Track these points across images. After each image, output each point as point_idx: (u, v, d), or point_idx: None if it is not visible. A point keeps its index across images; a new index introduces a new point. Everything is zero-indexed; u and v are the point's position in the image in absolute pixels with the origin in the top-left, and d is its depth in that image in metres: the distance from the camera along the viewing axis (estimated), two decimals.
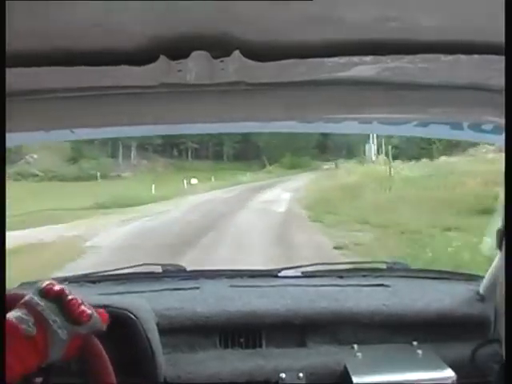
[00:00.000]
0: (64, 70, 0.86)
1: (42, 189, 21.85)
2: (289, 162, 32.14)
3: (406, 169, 17.88)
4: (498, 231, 0.58)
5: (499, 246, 0.56)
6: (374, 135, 19.51)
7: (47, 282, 1.10)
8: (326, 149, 32.62)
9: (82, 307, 1.09)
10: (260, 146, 33.82)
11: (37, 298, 1.07)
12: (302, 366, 1.44)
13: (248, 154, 34.94)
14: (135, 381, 1.31)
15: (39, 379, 1.12)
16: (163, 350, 1.39)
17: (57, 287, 1.09)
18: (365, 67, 0.92)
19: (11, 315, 1.04)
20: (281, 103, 1.09)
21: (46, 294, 1.08)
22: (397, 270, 1.89)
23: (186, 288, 1.68)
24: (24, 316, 1.04)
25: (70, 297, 1.08)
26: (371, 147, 22.48)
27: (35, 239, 9.98)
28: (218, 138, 32.43)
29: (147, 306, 1.46)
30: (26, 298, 1.08)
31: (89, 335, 1.11)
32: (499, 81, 0.87)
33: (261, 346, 1.52)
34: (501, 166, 0.87)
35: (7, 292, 1.05)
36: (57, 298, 1.08)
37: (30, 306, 1.06)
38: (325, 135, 27.79)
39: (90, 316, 1.09)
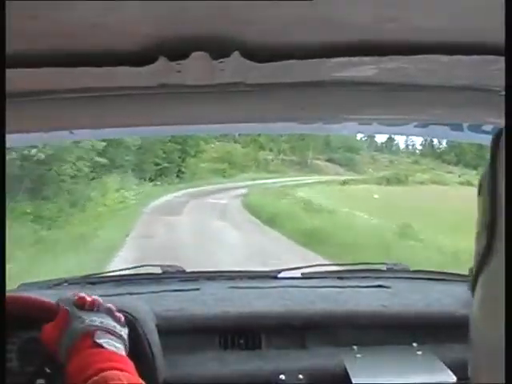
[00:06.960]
0: (63, 70, 0.86)
1: None
2: None
3: None
4: (471, 270, 0.50)
5: (473, 288, 0.49)
6: None
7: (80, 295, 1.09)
8: None
9: None
10: None
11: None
12: (302, 367, 1.44)
13: None
14: None
15: (41, 381, 1.11)
16: (163, 351, 1.38)
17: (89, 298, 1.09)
18: (364, 68, 0.92)
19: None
20: (280, 104, 1.09)
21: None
22: (396, 271, 1.89)
23: (185, 289, 1.68)
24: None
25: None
26: None
27: None
28: None
29: (147, 307, 1.46)
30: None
31: None
32: (499, 81, 0.87)
33: (260, 348, 1.52)
34: None
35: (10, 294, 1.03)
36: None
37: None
38: None
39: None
